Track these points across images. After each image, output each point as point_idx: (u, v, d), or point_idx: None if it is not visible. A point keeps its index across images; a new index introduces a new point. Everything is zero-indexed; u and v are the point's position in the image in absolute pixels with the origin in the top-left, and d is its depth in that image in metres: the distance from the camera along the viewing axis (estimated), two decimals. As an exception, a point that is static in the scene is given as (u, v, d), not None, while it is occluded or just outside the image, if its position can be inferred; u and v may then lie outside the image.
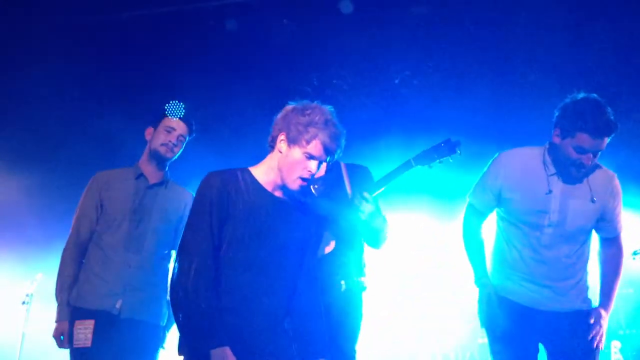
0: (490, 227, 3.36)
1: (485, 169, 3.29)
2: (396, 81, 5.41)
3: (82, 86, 5.61)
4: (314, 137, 2.41)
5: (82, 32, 5.28)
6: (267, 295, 2.40)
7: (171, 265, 3.52)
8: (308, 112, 2.45)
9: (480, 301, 3.22)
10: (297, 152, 2.42)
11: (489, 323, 3.17)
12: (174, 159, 3.56)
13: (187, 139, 3.58)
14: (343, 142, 2.50)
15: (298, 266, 2.55)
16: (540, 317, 3.08)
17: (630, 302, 5.71)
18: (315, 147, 2.42)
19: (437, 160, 2.98)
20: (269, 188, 2.50)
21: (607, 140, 2.93)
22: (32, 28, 5.28)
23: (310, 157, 2.43)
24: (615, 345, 5.43)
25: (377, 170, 3.38)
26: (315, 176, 2.47)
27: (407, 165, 2.98)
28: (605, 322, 3.09)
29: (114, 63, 5.47)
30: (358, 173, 3.26)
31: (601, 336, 3.07)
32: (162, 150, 3.47)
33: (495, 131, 4.98)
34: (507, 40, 4.92)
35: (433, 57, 5.22)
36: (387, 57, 5.31)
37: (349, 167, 3.28)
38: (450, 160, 3.00)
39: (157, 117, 3.57)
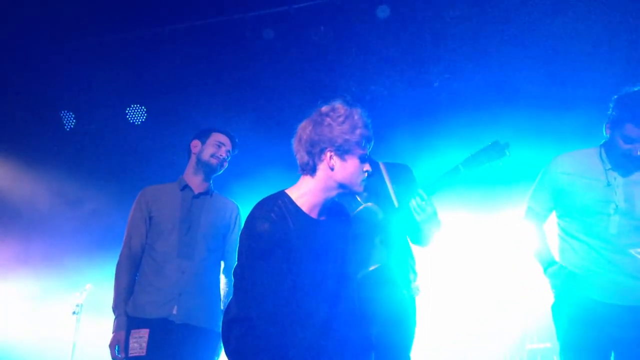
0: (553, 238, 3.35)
1: (541, 172, 3.33)
2: (435, 84, 5.36)
3: (127, 98, 5.75)
4: (362, 137, 2.37)
5: (126, 47, 5.41)
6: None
7: (221, 271, 3.60)
8: (342, 118, 2.36)
9: (553, 289, 3.21)
10: (354, 160, 2.37)
11: (562, 321, 3.15)
12: (219, 173, 3.66)
13: (231, 155, 3.69)
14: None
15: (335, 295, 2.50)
16: (615, 313, 3.02)
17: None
18: (367, 147, 2.41)
19: (487, 164, 2.92)
20: (312, 214, 2.41)
21: None
22: (81, 45, 5.44)
23: (365, 158, 2.40)
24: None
25: (420, 171, 3.36)
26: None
27: (455, 170, 2.92)
28: None
29: (155, 76, 5.59)
30: (399, 172, 3.24)
31: None
32: (213, 162, 3.58)
33: (545, 133, 4.88)
34: (554, 38, 4.83)
35: (472, 59, 5.15)
36: (426, 61, 5.27)
37: (389, 166, 3.25)
38: (500, 164, 2.94)
39: (204, 131, 3.68)
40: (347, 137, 2.34)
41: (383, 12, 4.98)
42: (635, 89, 3.05)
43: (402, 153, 4.29)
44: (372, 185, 3.09)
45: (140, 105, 5.83)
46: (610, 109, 3.10)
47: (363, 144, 2.37)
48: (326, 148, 2.35)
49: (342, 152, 2.35)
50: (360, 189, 2.41)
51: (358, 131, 2.36)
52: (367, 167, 2.42)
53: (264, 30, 5.23)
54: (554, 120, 4.86)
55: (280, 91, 5.55)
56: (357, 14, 5.02)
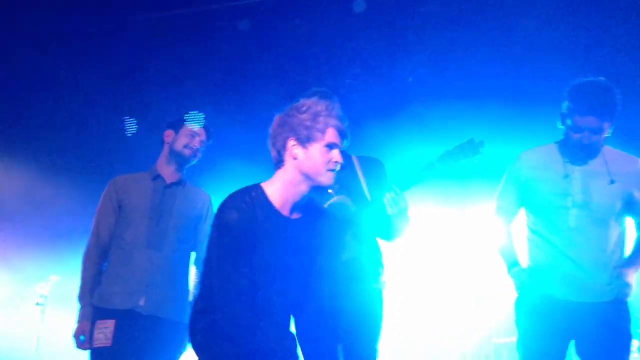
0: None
1: (507, 169, 3.37)
2: (410, 79, 5.38)
3: (94, 89, 5.63)
4: (326, 125, 2.34)
5: (94, 35, 5.29)
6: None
7: (192, 263, 3.56)
8: (304, 108, 2.36)
9: (516, 287, 3.24)
10: (316, 149, 2.33)
11: (522, 315, 3.18)
12: (193, 163, 3.63)
13: (205, 145, 3.65)
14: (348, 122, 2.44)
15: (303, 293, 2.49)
16: (573, 310, 3.05)
17: None
18: (331, 134, 2.34)
19: (461, 162, 2.94)
20: (284, 210, 2.38)
21: (601, 119, 2.99)
22: (41, 31, 5.29)
23: (330, 145, 2.35)
24: (634, 344, 5.36)
25: (392, 166, 3.37)
26: (340, 165, 2.38)
27: (430, 167, 2.93)
28: (628, 279, 3.04)
29: (126, 65, 5.49)
30: (372, 166, 3.24)
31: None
32: (186, 152, 3.54)
33: (512, 128, 4.94)
34: (521, 34, 4.87)
35: (447, 54, 5.18)
36: (401, 55, 5.28)
37: (361, 160, 3.26)
38: (474, 161, 2.97)
39: (177, 120, 3.64)
40: (308, 124, 2.33)
41: (359, 5, 4.98)
42: (581, 80, 3.09)
43: (375, 146, 4.31)
44: (345, 178, 3.10)
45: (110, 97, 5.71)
46: (562, 103, 3.15)
47: (329, 133, 2.34)
48: (288, 137, 2.35)
49: (304, 140, 2.33)
50: (326, 180, 2.34)
51: (322, 119, 2.33)
52: (335, 156, 2.35)
53: (239, 22, 5.18)
54: (528, 115, 4.91)
55: (253, 83, 5.50)
56: (333, 7, 5.00)
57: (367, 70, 5.37)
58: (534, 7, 4.72)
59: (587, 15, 4.65)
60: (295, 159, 2.34)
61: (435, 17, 4.96)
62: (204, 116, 3.69)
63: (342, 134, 2.38)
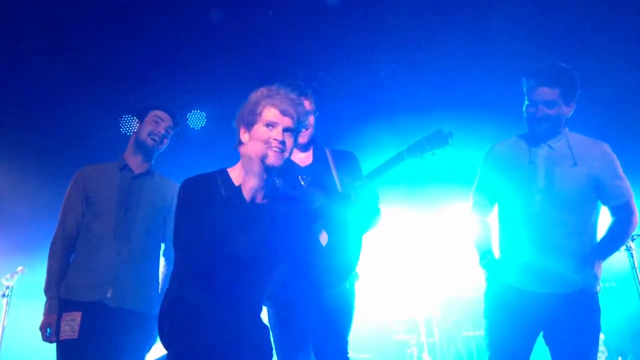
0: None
1: (480, 165, 3.41)
2: (382, 73, 5.39)
3: (60, 80, 5.51)
4: (264, 106, 2.40)
5: (55, 25, 5.17)
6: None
7: (161, 254, 3.53)
8: (251, 96, 2.46)
9: (485, 278, 3.26)
10: (256, 129, 2.40)
11: (489, 306, 3.20)
12: (160, 151, 3.59)
13: (172, 132, 3.60)
14: (301, 105, 2.48)
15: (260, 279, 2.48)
16: (539, 301, 3.04)
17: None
18: (269, 113, 2.40)
19: (430, 152, 2.96)
20: (247, 194, 2.36)
21: (552, 89, 3.08)
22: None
23: (270, 124, 2.39)
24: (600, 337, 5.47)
25: (364, 160, 3.37)
26: (286, 145, 2.39)
27: (399, 157, 2.96)
28: (594, 269, 3.05)
29: (94, 55, 5.38)
30: (344, 159, 3.25)
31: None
32: (149, 141, 3.49)
33: (484, 121, 4.98)
34: (494, 28, 4.91)
35: (419, 51, 5.20)
36: (374, 50, 5.28)
37: (334, 153, 3.27)
38: (443, 152, 2.98)
39: (142, 108, 3.59)
40: (250, 108, 2.42)
41: (333, -1, 4.96)
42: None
43: (346, 139, 4.32)
44: (317, 170, 3.11)
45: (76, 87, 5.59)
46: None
47: (267, 112, 2.39)
48: (239, 126, 2.46)
49: (248, 125, 2.42)
50: (271, 159, 2.35)
51: (262, 102, 2.41)
52: (274, 134, 2.37)
53: (211, 12, 5.13)
54: (499, 113, 4.95)
55: (226, 75, 5.46)
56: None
57: (340, 64, 5.36)
58: (506, 5, 4.76)
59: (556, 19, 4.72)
60: (243, 143, 2.43)
61: (409, 12, 4.98)
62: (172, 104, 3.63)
63: (284, 113, 2.41)
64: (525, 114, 3.20)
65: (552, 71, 3.11)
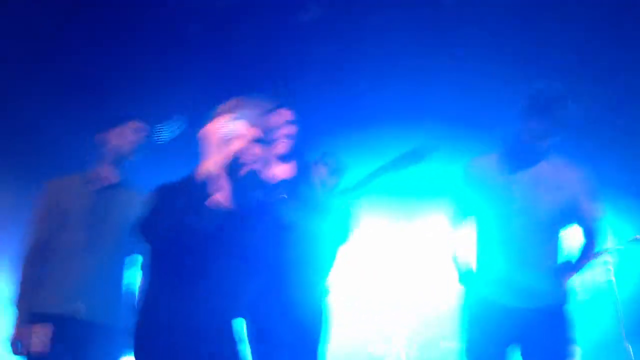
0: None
1: (459, 177, 3.41)
2: (362, 84, 5.41)
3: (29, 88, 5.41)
4: (233, 118, 2.41)
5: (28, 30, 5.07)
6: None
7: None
8: (219, 107, 2.49)
9: (463, 292, 3.27)
10: (225, 140, 2.40)
11: (465, 320, 3.20)
12: (132, 162, 3.54)
13: (145, 143, 3.57)
14: (275, 115, 2.59)
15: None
16: (515, 316, 3.07)
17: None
18: (238, 124, 2.41)
19: (407, 168, 2.98)
20: (218, 204, 2.38)
21: (542, 120, 3.04)
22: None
23: (239, 135, 2.40)
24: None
25: (343, 172, 3.37)
26: (258, 155, 2.42)
27: (375, 174, 2.98)
28: (567, 284, 3.11)
29: (75, 65, 5.30)
30: (324, 172, 3.26)
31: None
32: (119, 151, 3.46)
33: (463, 135, 5.00)
34: (477, 43, 4.95)
35: (396, 66, 5.23)
36: (351, 62, 5.30)
37: (315, 165, 3.31)
38: (419, 168, 3.01)
39: (114, 119, 3.54)
40: (220, 119, 2.43)
41: (309, 12, 4.97)
42: (534, 86, 3.16)
43: (326, 150, 4.28)
44: (295, 182, 3.08)
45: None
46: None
47: (238, 124, 2.39)
48: (208, 136, 2.45)
49: (218, 136, 2.41)
50: (246, 171, 2.37)
51: (231, 113, 2.41)
52: (245, 145, 2.38)
53: (187, 25, 5.10)
54: (478, 127, 4.97)
55: (201, 85, 5.41)
56: (283, 10, 4.98)
57: (316, 76, 5.36)
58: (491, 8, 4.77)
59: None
60: (213, 154, 2.42)
61: (384, 27, 5.00)
62: (148, 118, 3.61)
63: (254, 124, 2.42)
64: (515, 143, 3.19)
65: (544, 101, 3.05)
